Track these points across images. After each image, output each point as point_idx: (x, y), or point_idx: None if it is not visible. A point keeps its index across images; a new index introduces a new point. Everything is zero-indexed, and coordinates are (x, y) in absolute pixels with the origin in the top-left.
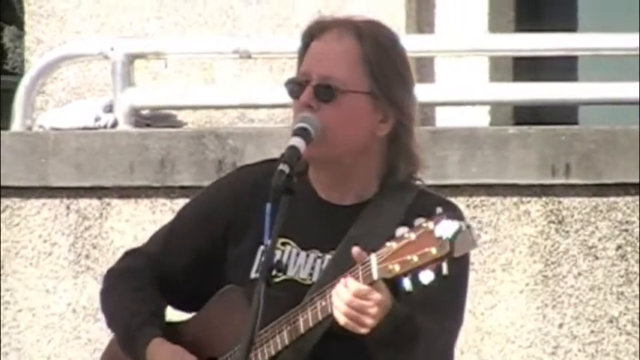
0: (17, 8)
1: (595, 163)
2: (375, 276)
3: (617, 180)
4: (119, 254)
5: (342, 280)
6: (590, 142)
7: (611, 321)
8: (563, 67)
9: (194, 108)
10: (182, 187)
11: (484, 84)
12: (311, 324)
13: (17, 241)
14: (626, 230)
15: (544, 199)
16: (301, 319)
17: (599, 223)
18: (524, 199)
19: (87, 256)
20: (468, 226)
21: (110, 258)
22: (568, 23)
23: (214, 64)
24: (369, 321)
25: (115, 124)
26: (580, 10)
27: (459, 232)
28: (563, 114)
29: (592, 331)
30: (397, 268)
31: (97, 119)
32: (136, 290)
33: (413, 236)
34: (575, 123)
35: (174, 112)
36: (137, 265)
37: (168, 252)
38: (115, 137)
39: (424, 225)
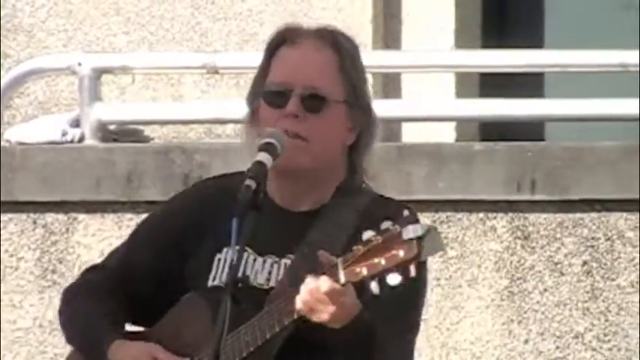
0: None
1: (561, 179)
2: (342, 279)
3: (582, 196)
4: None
5: (310, 278)
6: (556, 159)
7: (576, 337)
8: (529, 84)
9: (161, 123)
10: (149, 202)
11: (450, 100)
12: (277, 328)
13: None
14: (592, 246)
15: (510, 214)
16: (266, 324)
17: (564, 239)
18: (490, 214)
19: (53, 271)
20: (435, 229)
21: (76, 273)
22: (534, 40)
23: (181, 80)
24: (324, 316)
25: (82, 139)
26: (546, 26)
27: (426, 234)
28: (529, 130)
29: (557, 347)
30: (364, 271)
31: (64, 134)
32: (95, 302)
33: (380, 239)
34: (542, 139)
35: (141, 127)
36: (96, 279)
37: (127, 265)
38: (81, 152)
39: (391, 228)
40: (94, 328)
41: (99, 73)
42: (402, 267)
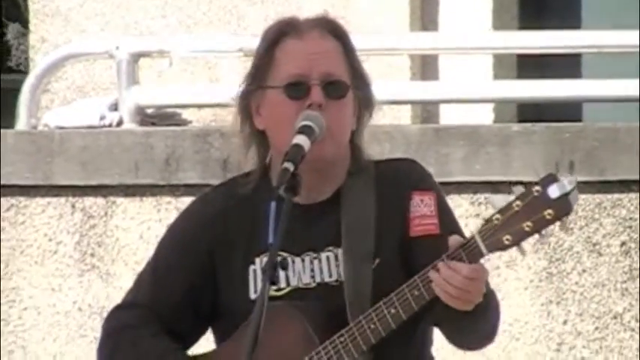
0: (22, 6)
1: (599, 161)
2: (485, 252)
3: (620, 177)
4: (124, 252)
5: (445, 265)
6: (593, 140)
7: (615, 317)
8: (567, 65)
9: (199, 106)
10: (187, 186)
11: (488, 81)
12: (404, 316)
13: (22, 240)
14: (630, 227)
15: None
16: (388, 314)
17: (603, 220)
18: None
19: (92, 255)
20: (575, 181)
21: (115, 256)
22: (572, 20)
23: (219, 63)
24: (478, 298)
25: (120, 123)
26: (584, 7)
27: (574, 188)
28: (567, 111)
29: (596, 328)
30: (510, 237)
31: (102, 118)
32: (152, 337)
33: (520, 204)
34: (579, 120)
35: (179, 110)
36: (137, 318)
37: (159, 297)
38: (120, 136)
39: (533, 190)
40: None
41: (136, 56)
42: (547, 227)
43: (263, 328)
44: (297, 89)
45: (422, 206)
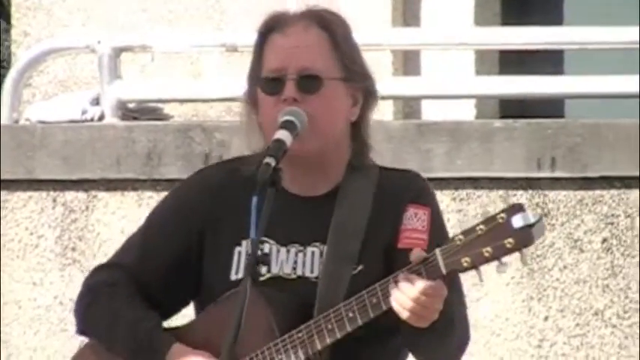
0: (4, 1)
1: (581, 157)
2: (444, 271)
3: (602, 173)
4: (105, 247)
5: (404, 277)
6: (575, 136)
7: (596, 314)
8: (549, 61)
9: (181, 101)
10: (168, 180)
11: (470, 77)
12: (360, 321)
13: (4, 234)
14: (612, 223)
15: (530, 192)
16: (345, 317)
17: (584, 217)
18: (510, 192)
19: (73, 249)
20: (541, 215)
21: (96, 250)
22: (554, 17)
23: (201, 58)
24: (434, 316)
25: (101, 117)
26: (566, 3)
27: (537, 221)
28: (549, 107)
29: (577, 324)
30: (469, 260)
31: (83, 112)
32: (129, 298)
33: (484, 229)
34: (561, 116)
35: (160, 105)
36: (119, 278)
37: (144, 261)
38: (101, 130)
39: (498, 217)
40: (139, 330)
41: (118, 51)
42: (506, 255)
43: (232, 309)
44: (272, 85)
45: (415, 220)
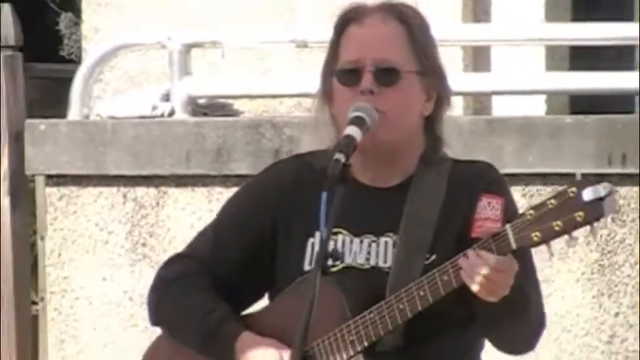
0: None
1: None
2: (514, 246)
3: None
4: (175, 242)
5: (475, 253)
6: None
7: None
8: (619, 56)
9: (250, 97)
10: (238, 176)
11: (541, 73)
12: (431, 300)
13: (74, 230)
14: None
15: None
16: (417, 296)
17: None
18: None
19: (143, 244)
20: (614, 189)
21: (166, 246)
22: (625, 12)
23: (271, 53)
24: (505, 290)
25: (172, 113)
26: None
27: (608, 194)
28: (619, 103)
29: None
30: (539, 235)
31: (154, 108)
32: (201, 290)
33: (554, 203)
34: (632, 112)
35: (230, 101)
36: (192, 270)
37: (218, 253)
38: (171, 126)
39: (568, 191)
40: (209, 320)
41: (189, 47)
42: (576, 229)
43: (302, 297)
44: (349, 76)
45: (488, 209)
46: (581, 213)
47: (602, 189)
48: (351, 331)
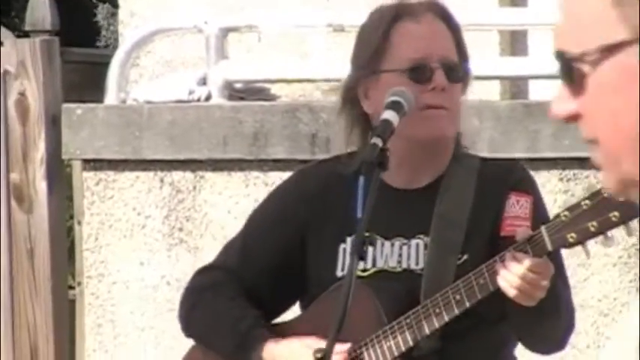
0: None
1: None
2: (550, 247)
3: None
4: (212, 227)
5: (511, 255)
6: None
7: None
8: None
9: (287, 81)
10: (275, 161)
11: None
12: (467, 304)
13: (111, 214)
14: None
15: None
16: (453, 300)
17: None
18: None
19: (180, 229)
20: None
21: (203, 231)
22: None
23: (308, 38)
24: (541, 294)
25: (208, 98)
26: None
27: None
28: None
29: None
30: (574, 236)
31: (190, 92)
32: (231, 299)
33: (589, 203)
34: None
35: (267, 85)
36: (221, 280)
37: (247, 264)
38: (208, 110)
39: (603, 191)
40: (239, 328)
41: (225, 31)
42: (612, 229)
43: (336, 303)
44: (420, 73)
45: (517, 207)
46: (616, 213)
47: None
48: (388, 337)
